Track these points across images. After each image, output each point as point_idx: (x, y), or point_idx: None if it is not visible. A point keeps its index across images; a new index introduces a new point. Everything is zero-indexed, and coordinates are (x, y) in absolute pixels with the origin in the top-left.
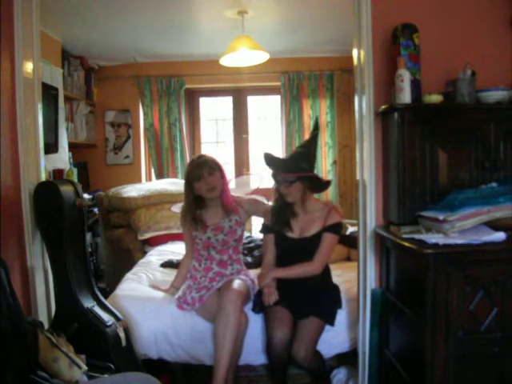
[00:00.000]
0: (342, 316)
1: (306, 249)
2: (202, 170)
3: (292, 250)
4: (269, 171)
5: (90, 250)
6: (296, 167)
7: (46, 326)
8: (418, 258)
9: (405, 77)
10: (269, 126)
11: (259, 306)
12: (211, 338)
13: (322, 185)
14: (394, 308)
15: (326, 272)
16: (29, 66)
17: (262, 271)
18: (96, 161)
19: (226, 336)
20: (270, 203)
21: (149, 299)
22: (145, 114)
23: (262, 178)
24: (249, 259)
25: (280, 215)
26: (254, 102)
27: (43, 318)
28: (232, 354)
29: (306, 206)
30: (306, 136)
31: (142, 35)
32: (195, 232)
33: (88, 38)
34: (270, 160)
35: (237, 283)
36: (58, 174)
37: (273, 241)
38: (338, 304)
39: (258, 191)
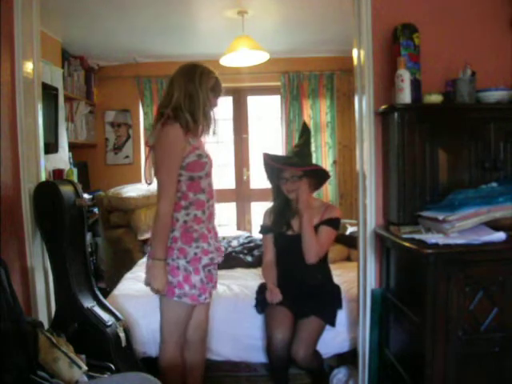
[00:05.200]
0: (342, 316)
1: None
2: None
3: (290, 247)
4: (267, 170)
5: (90, 249)
6: (304, 162)
7: (46, 326)
8: (417, 258)
9: (405, 77)
10: (269, 126)
11: (261, 306)
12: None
13: (321, 181)
14: (394, 308)
15: (327, 272)
16: (29, 66)
17: (262, 270)
18: (96, 161)
19: (201, 367)
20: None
21: (146, 296)
22: (145, 113)
23: None
24: (249, 259)
25: (281, 216)
26: (253, 102)
27: (43, 317)
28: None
29: (309, 203)
30: None
31: (141, 35)
32: (197, 150)
33: (88, 38)
34: (275, 157)
35: (207, 310)
36: (57, 174)
37: (272, 240)
38: (338, 304)
39: (258, 192)
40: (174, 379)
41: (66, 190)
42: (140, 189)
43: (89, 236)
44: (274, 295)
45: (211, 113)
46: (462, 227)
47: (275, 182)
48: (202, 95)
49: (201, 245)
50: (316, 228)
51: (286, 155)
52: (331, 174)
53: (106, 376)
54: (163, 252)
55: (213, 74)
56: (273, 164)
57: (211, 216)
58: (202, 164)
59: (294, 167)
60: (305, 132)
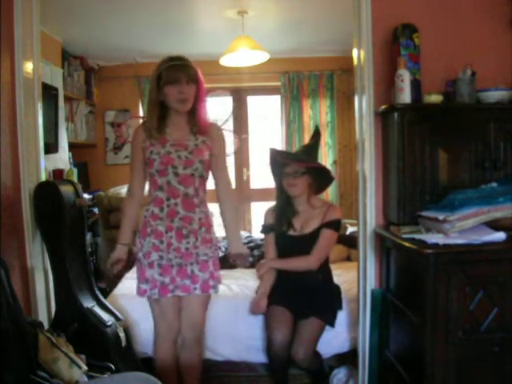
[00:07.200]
0: (342, 316)
1: (304, 245)
2: (180, 74)
3: (291, 247)
4: (273, 166)
5: (89, 249)
6: (308, 159)
7: (46, 326)
8: (418, 258)
9: (405, 77)
10: (269, 126)
11: None
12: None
13: (324, 183)
14: (394, 308)
15: (328, 272)
16: (29, 66)
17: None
18: (96, 161)
19: (198, 366)
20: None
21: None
22: (145, 114)
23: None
24: (249, 259)
25: (282, 215)
26: (254, 102)
27: (43, 317)
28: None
29: (311, 203)
30: (306, 136)
31: (141, 35)
32: (151, 147)
33: (88, 37)
34: (279, 152)
35: (200, 311)
36: (57, 174)
37: (273, 240)
38: (338, 305)
39: (258, 192)
40: (167, 376)
41: (66, 189)
42: None
43: (89, 236)
44: (259, 307)
45: (156, 110)
46: (462, 227)
47: (279, 178)
48: (152, 91)
49: (152, 240)
50: (318, 230)
51: (293, 152)
52: (332, 174)
53: (106, 376)
54: (120, 237)
55: (163, 65)
56: (278, 158)
57: (173, 215)
58: (151, 161)
59: (298, 162)
60: (315, 135)
